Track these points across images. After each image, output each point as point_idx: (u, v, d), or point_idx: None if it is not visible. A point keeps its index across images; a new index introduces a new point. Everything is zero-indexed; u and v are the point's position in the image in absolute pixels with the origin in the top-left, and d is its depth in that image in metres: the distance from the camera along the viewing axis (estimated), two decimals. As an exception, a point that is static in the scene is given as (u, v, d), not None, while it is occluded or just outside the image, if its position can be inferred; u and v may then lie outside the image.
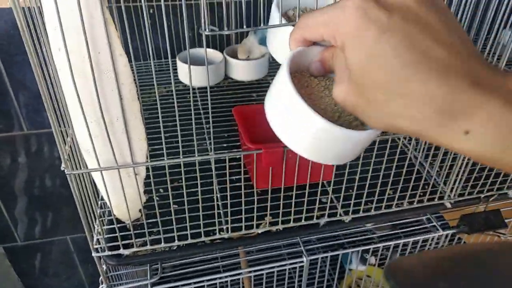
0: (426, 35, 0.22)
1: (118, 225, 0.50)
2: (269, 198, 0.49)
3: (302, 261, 0.56)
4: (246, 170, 0.59)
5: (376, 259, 0.86)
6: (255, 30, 0.77)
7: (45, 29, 0.36)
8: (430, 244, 0.58)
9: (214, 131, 0.66)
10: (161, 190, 0.59)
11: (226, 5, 0.32)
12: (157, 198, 0.57)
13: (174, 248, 0.53)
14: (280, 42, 0.41)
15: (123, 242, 0.50)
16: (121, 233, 0.50)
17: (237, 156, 0.46)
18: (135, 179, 0.45)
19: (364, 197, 0.52)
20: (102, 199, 0.56)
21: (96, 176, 0.45)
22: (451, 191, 0.56)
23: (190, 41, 0.86)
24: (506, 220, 0.60)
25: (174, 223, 0.50)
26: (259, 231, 0.52)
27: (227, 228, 0.52)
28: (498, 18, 0.46)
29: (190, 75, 0.39)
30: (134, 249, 0.51)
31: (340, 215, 0.53)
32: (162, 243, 0.51)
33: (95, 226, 0.52)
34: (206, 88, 0.76)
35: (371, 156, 0.49)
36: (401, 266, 0.18)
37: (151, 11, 0.81)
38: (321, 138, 0.28)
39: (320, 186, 0.50)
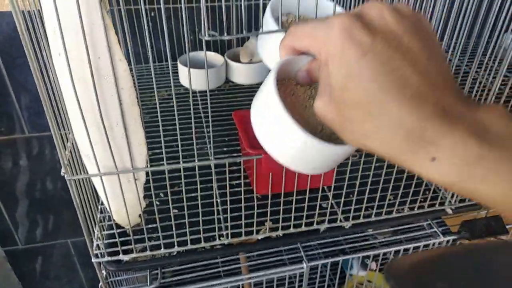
0: (405, 62, 0.23)
1: (118, 230, 0.49)
2: (269, 204, 0.49)
3: (302, 267, 0.56)
4: (246, 175, 0.59)
5: (377, 265, 0.86)
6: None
7: (45, 33, 0.36)
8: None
9: (214, 135, 0.66)
10: (161, 195, 0.59)
11: (226, 10, 0.32)
12: (157, 203, 0.57)
13: (174, 253, 0.52)
14: (271, 48, 0.40)
15: (123, 247, 0.50)
16: (120, 239, 0.50)
17: (237, 161, 0.45)
18: (135, 184, 0.45)
19: (365, 203, 0.52)
20: (102, 203, 0.56)
21: (96, 181, 0.45)
22: (452, 197, 0.56)
23: (191, 44, 0.86)
24: (507, 226, 0.60)
25: (173, 228, 0.49)
26: (259, 237, 0.52)
27: (227, 234, 0.52)
28: (499, 22, 0.46)
29: (189, 78, 0.39)
30: (134, 255, 0.51)
31: (341, 221, 0.53)
32: (162, 249, 0.51)
33: (95, 231, 0.52)
34: (206, 91, 0.75)
35: (371, 161, 0.49)
36: (400, 266, 0.18)
37: (152, 14, 0.81)
38: (301, 149, 0.29)
39: (320, 191, 0.50)
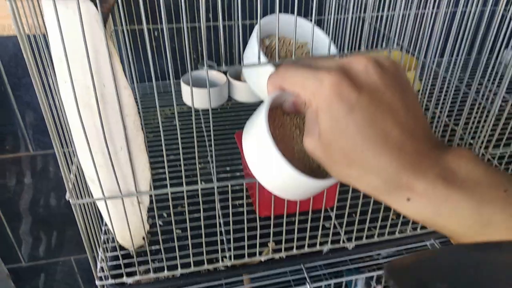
0: (386, 117, 0.26)
1: (122, 252, 0.49)
2: (271, 225, 0.49)
3: (306, 288, 0.55)
4: (248, 195, 0.59)
5: (380, 284, 0.85)
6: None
7: (51, 58, 0.36)
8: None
9: (217, 154, 0.67)
10: (164, 215, 0.59)
11: (223, 42, 0.33)
12: (160, 223, 0.58)
13: (178, 276, 0.52)
14: (254, 74, 0.42)
15: (127, 270, 0.50)
16: (124, 261, 0.50)
17: (240, 184, 0.46)
18: (139, 208, 0.46)
19: (367, 223, 0.52)
20: (106, 225, 0.57)
21: (100, 204, 0.46)
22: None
23: (193, 63, 0.87)
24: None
25: (177, 250, 0.50)
26: (262, 258, 0.52)
27: (230, 255, 0.52)
28: (499, 38, 0.46)
29: (192, 98, 0.39)
30: (138, 277, 0.51)
31: (343, 242, 0.53)
32: (165, 271, 0.51)
33: (99, 253, 0.52)
34: (212, 109, 0.76)
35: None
36: (400, 266, 0.18)
37: (155, 33, 0.82)
38: (289, 182, 0.31)
39: (322, 212, 0.50)
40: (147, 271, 0.52)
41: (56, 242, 1.09)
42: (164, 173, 0.50)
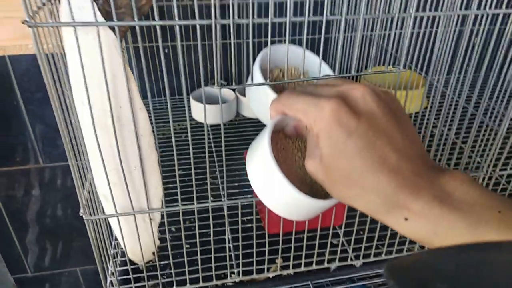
0: (384, 142, 0.28)
1: (132, 267, 0.50)
2: (280, 242, 0.49)
3: (313, 305, 0.55)
4: (257, 212, 0.60)
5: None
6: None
7: (69, 79, 0.38)
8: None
9: (226, 170, 0.68)
10: (173, 229, 0.60)
11: (236, 62, 0.34)
12: (170, 238, 0.58)
13: (186, 290, 0.53)
14: (257, 100, 0.43)
15: (136, 284, 0.51)
16: (134, 275, 0.50)
17: (250, 202, 0.46)
18: (150, 224, 0.46)
19: (375, 241, 0.52)
20: (116, 239, 0.57)
21: (112, 220, 0.46)
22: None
23: (203, 79, 0.88)
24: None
25: (186, 266, 0.50)
26: (270, 275, 0.52)
27: (238, 271, 0.52)
28: (509, 57, 0.47)
29: (205, 115, 0.41)
30: (147, 292, 0.52)
31: (351, 259, 0.53)
32: (175, 286, 0.51)
33: (109, 267, 0.52)
34: (218, 125, 0.77)
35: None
36: (400, 266, 0.18)
37: (166, 50, 0.84)
38: (292, 202, 0.32)
39: (331, 229, 0.51)
40: (156, 286, 0.53)
41: (62, 253, 1.10)
42: (172, 189, 0.51)
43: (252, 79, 0.44)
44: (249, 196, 0.61)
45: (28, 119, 0.88)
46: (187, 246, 0.56)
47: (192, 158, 0.41)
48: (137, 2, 0.32)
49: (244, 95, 0.80)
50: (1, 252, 1.06)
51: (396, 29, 0.38)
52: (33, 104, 0.86)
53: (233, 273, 0.53)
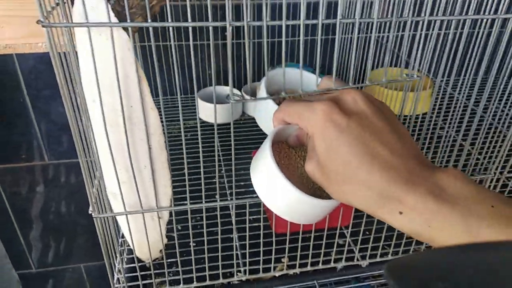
0: (374, 138, 0.29)
1: (139, 264, 0.50)
2: (287, 241, 0.50)
3: (319, 304, 0.56)
4: (265, 211, 0.60)
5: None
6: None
7: (79, 76, 0.38)
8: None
9: (231, 169, 0.68)
10: (179, 227, 0.60)
11: (251, 59, 0.35)
12: (176, 237, 0.59)
13: (192, 288, 0.53)
14: (264, 117, 0.46)
15: (143, 282, 0.51)
16: (141, 273, 0.51)
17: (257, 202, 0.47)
18: (158, 222, 0.47)
19: (382, 241, 0.53)
20: (122, 236, 0.58)
21: (120, 218, 0.47)
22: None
23: (208, 79, 0.89)
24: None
25: (193, 264, 0.51)
26: (277, 274, 0.53)
27: (245, 270, 0.53)
28: None
29: (215, 115, 0.41)
30: (154, 289, 0.52)
31: (357, 259, 0.53)
32: (181, 284, 0.52)
33: (116, 264, 0.53)
34: (224, 124, 0.77)
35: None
36: (401, 265, 0.19)
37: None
38: (294, 204, 0.34)
39: (338, 229, 0.51)
40: (162, 283, 0.53)
41: (66, 250, 1.11)
42: (177, 187, 0.51)
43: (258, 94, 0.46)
44: (255, 195, 0.61)
45: (34, 117, 0.88)
46: (194, 244, 0.57)
47: (201, 157, 0.41)
48: (148, 2, 0.33)
49: (250, 94, 0.80)
50: (6, 248, 1.07)
51: (409, 30, 0.38)
52: (39, 102, 0.86)
53: (240, 271, 0.53)
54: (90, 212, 0.45)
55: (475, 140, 0.47)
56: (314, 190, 0.36)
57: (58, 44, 0.37)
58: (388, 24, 0.69)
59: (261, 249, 0.51)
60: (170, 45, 0.83)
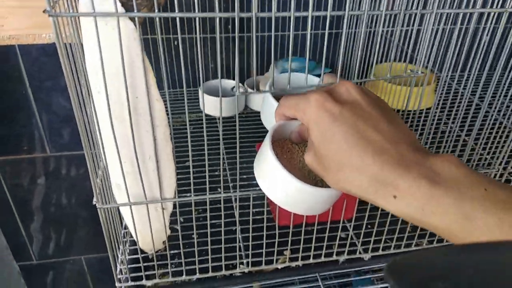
0: (367, 124, 0.29)
1: (142, 255, 0.51)
2: (290, 235, 0.50)
3: (321, 297, 0.56)
4: (268, 204, 0.60)
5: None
6: (276, 65, 0.79)
7: (85, 69, 0.38)
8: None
9: (235, 162, 0.68)
10: (181, 220, 0.61)
11: (256, 53, 0.35)
12: (178, 228, 0.59)
13: (194, 280, 0.53)
14: (268, 113, 0.47)
15: (146, 273, 0.51)
16: (144, 264, 0.51)
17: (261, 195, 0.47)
18: (162, 213, 0.47)
19: (384, 235, 0.53)
20: (125, 228, 0.58)
21: (124, 209, 0.47)
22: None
23: (211, 72, 0.88)
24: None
25: (196, 256, 0.51)
26: (279, 266, 0.53)
27: (247, 262, 0.53)
28: None
29: (220, 108, 0.41)
30: (156, 280, 0.52)
31: (360, 252, 0.54)
32: (184, 275, 0.52)
33: (119, 255, 0.53)
34: (226, 117, 0.77)
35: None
36: (401, 265, 0.19)
37: (175, 43, 0.84)
38: (293, 193, 0.34)
39: (341, 222, 0.51)
40: (165, 275, 0.53)
41: (67, 241, 1.11)
42: (184, 178, 0.51)
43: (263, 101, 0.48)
44: (258, 188, 0.62)
45: (36, 108, 0.88)
46: (196, 236, 0.57)
47: (206, 150, 0.41)
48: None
49: (253, 88, 0.80)
50: (7, 240, 1.07)
51: (413, 25, 0.38)
52: (41, 94, 0.86)
53: (242, 263, 0.53)
54: (94, 203, 0.45)
55: (479, 135, 0.47)
56: (316, 182, 0.36)
57: (64, 35, 0.37)
58: (393, 18, 0.69)
59: (264, 241, 0.51)
60: (175, 37, 0.83)
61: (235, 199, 0.61)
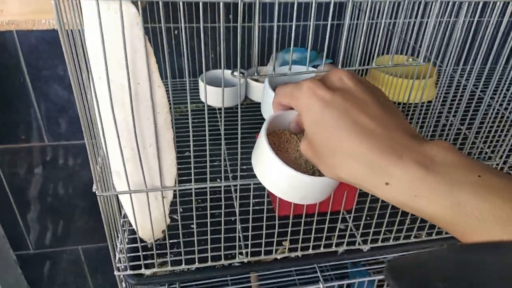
0: (358, 110, 0.29)
1: (141, 244, 0.51)
2: (290, 225, 0.50)
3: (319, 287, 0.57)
4: (268, 194, 0.60)
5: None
6: (276, 56, 0.79)
7: (86, 55, 0.37)
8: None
9: (234, 152, 0.68)
10: (180, 209, 0.61)
11: (258, 44, 0.35)
12: (177, 218, 0.59)
13: (193, 269, 0.53)
14: (266, 103, 0.47)
15: (145, 261, 0.51)
16: (143, 253, 0.51)
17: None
18: (162, 202, 0.47)
19: (384, 227, 0.53)
20: (124, 217, 0.58)
21: (124, 197, 0.47)
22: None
23: (212, 62, 0.88)
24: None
25: (196, 245, 0.51)
26: (278, 256, 0.53)
27: (247, 252, 0.53)
28: None
29: (223, 98, 0.41)
30: (155, 269, 0.52)
31: (359, 244, 0.54)
32: (183, 265, 0.52)
33: (118, 244, 0.53)
34: (227, 108, 0.77)
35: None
36: (400, 266, 0.19)
37: (175, 32, 0.83)
38: (288, 182, 0.35)
39: (341, 214, 0.51)
40: (163, 263, 0.53)
41: (64, 231, 1.11)
42: (184, 168, 0.51)
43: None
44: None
45: (34, 97, 0.87)
46: (196, 225, 0.57)
47: (207, 139, 0.41)
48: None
49: (253, 78, 0.80)
50: (4, 229, 1.07)
51: (416, 17, 0.37)
52: (40, 82, 0.85)
53: (241, 253, 0.53)
54: (94, 190, 0.44)
55: (480, 129, 0.47)
56: (313, 172, 0.36)
57: (66, 20, 0.36)
58: (395, 10, 0.68)
59: (264, 231, 0.51)
60: (175, 27, 0.82)
61: (235, 189, 0.61)
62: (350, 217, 0.57)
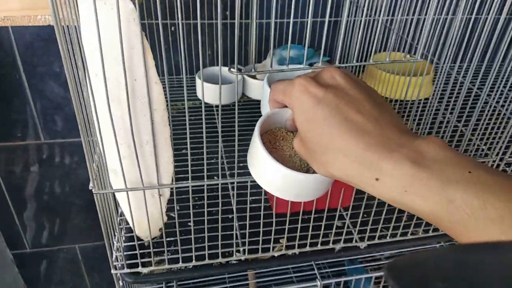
0: (350, 107, 0.29)
1: (138, 242, 0.50)
2: (287, 222, 0.50)
3: (316, 285, 0.57)
4: (265, 192, 0.60)
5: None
6: (273, 53, 0.79)
7: (82, 52, 0.37)
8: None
9: (231, 150, 0.68)
10: (177, 207, 0.60)
11: (256, 40, 0.35)
12: (174, 216, 0.59)
13: (190, 267, 0.53)
14: (266, 102, 0.48)
15: (142, 260, 0.51)
16: (140, 251, 0.51)
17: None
18: (159, 200, 0.47)
19: (381, 224, 0.53)
20: (121, 215, 0.58)
21: (120, 195, 0.46)
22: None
23: (209, 59, 0.88)
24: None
25: (193, 243, 0.51)
26: (275, 254, 0.53)
27: (244, 250, 0.53)
28: None
29: (220, 96, 0.41)
30: (152, 268, 0.52)
31: (356, 241, 0.54)
32: (180, 263, 0.52)
33: (114, 243, 0.53)
34: (224, 105, 0.77)
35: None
36: (400, 266, 0.19)
37: (172, 28, 0.83)
38: (281, 180, 0.35)
39: (338, 211, 0.51)
40: (161, 262, 0.53)
41: (60, 230, 1.10)
42: (181, 166, 0.50)
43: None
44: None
45: (30, 94, 0.86)
46: (193, 223, 0.57)
47: (204, 136, 0.41)
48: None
49: (250, 76, 0.79)
50: (0, 228, 1.06)
51: (414, 14, 0.37)
52: (35, 79, 0.85)
53: (239, 251, 0.53)
54: (90, 188, 0.44)
55: (477, 126, 0.47)
56: (308, 170, 0.37)
57: (62, 16, 0.36)
58: (393, 7, 0.68)
59: (261, 229, 0.51)
60: (172, 23, 0.82)
61: (232, 187, 0.61)
62: (347, 214, 0.57)
